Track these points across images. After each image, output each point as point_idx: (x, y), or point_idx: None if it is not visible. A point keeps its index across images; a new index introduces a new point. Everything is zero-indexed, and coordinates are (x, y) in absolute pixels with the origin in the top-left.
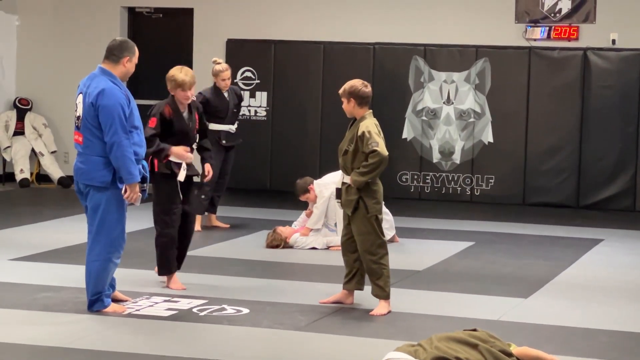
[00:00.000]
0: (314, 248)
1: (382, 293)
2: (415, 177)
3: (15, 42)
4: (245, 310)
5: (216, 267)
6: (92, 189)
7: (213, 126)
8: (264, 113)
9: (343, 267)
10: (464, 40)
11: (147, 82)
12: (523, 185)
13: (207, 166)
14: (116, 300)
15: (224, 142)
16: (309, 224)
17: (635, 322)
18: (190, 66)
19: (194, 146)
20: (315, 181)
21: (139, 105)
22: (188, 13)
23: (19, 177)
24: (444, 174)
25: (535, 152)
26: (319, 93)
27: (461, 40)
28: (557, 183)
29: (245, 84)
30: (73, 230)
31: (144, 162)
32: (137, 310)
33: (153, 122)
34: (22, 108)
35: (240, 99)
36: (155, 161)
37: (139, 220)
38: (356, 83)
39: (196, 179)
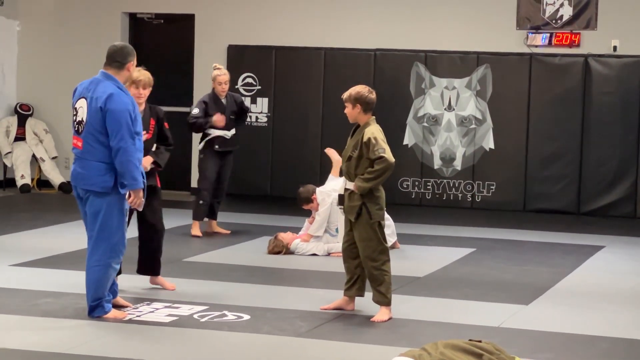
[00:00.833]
0: (314, 255)
1: (383, 299)
2: (416, 183)
3: (17, 48)
4: (246, 317)
5: (217, 273)
6: (92, 194)
7: (209, 131)
8: (265, 119)
9: (344, 273)
10: (465, 46)
11: None
12: (524, 191)
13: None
14: (117, 306)
15: (216, 147)
16: (311, 230)
17: (636, 328)
18: (192, 72)
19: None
20: (317, 189)
21: None
22: (189, 19)
23: (19, 182)
24: (445, 181)
25: (536, 158)
26: (320, 99)
27: (462, 46)
28: (558, 189)
29: (246, 90)
30: (74, 236)
31: (142, 168)
32: (137, 316)
33: None
34: (23, 114)
35: (241, 106)
36: None
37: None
38: (363, 89)
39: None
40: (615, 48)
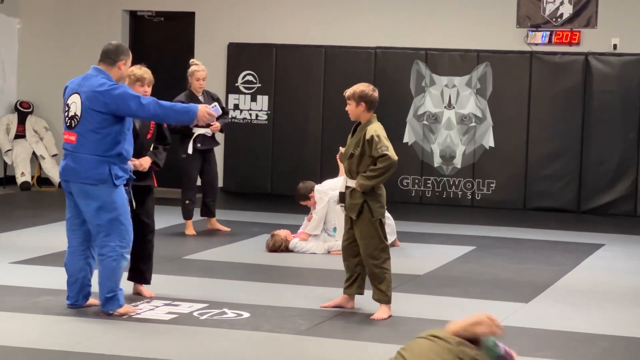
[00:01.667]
0: (313, 254)
1: (383, 297)
2: (417, 181)
3: (17, 46)
4: (246, 314)
5: (217, 270)
6: (89, 188)
7: (193, 130)
8: (265, 117)
9: (343, 271)
10: (466, 44)
11: None
12: (524, 189)
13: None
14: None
15: (198, 145)
16: (309, 229)
17: (636, 327)
18: None
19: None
20: (315, 187)
21: None
22: (189, 17)
23: (19, 180)
24: (445, 179)
25: (536, 156)
26: (320, 97)
27: (462, 44)
28: (558, 188)
29: (246, 88)
30: None
31: (129, 164)
32: (137, 313)
33: None
34: (23, 111)
35: (218, 103)
36: None
37: None
38: (367, 87)
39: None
40: (615, 46)
